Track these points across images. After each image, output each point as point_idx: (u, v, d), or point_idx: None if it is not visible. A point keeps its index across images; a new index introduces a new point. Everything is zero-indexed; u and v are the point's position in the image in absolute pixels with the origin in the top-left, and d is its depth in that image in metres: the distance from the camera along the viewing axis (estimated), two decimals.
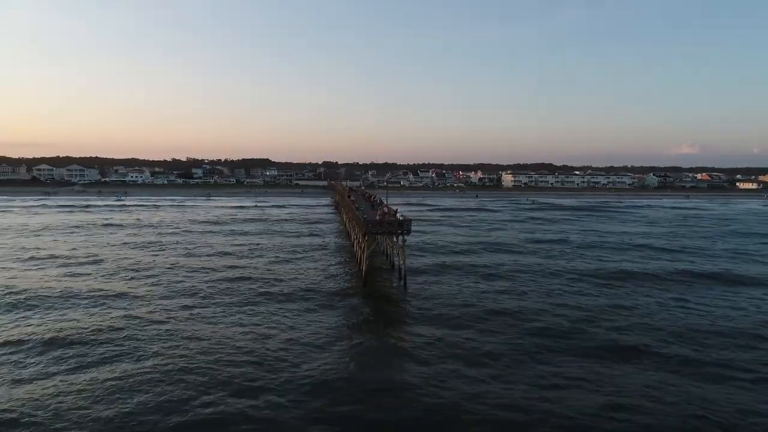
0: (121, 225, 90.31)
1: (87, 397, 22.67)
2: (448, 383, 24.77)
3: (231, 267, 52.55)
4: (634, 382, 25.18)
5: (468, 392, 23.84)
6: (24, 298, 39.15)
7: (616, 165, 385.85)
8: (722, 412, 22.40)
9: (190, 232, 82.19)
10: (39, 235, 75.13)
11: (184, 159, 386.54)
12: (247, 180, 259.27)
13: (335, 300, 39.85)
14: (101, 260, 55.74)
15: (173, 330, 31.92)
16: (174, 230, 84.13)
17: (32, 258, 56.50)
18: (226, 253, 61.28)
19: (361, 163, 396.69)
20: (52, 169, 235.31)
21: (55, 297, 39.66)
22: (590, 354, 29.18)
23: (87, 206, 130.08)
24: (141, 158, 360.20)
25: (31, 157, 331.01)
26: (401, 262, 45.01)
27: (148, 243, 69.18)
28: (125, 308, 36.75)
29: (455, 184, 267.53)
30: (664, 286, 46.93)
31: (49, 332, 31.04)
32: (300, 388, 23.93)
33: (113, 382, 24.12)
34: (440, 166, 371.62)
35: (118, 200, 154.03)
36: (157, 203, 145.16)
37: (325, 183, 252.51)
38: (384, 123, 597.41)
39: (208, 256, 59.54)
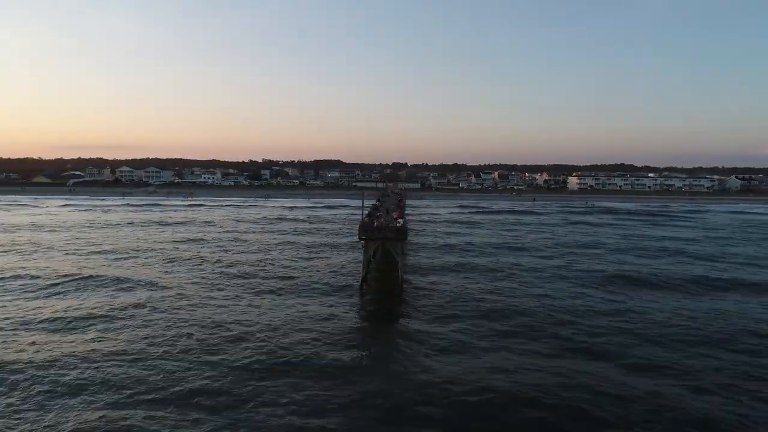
0: (171, 223, 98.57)
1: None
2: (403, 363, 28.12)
3: (255, 261, 57.83)
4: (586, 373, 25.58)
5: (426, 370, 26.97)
6: (84, 279, 47.05)
7: (705, 166, 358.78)
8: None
9: (233, 230, 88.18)
10: (101, 230, 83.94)
11: (260, 160, 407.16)
12: (309, 181, 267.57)
13: (333, 295, 42.92)
14: (142, 252, 63.30)
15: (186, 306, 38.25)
16: (218, 228, 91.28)
17: (80, 249, 63.52)
18: (257, 251, 65.62)
19: (429, 164, 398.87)
20: (132, 171, 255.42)
21: (100, 279, 45.46)
22: (548, 352, 30.58)
23: (152, 205, 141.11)
24: (221, 159, 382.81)
25: (124, 158, 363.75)
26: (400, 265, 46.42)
27: (189, 239, 75.87)
28: (150, 291, 43.20)
29: (515, 187, 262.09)
30: (666, 293, 46.60)
31: (99, 306, 35.88)
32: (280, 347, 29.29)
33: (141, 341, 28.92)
34: (509, 167, 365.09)
35: (184, 200, 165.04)
36: (217, 203, 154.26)
37: (381, 185, 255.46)
38: (456, 123, 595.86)
39: (240, 252, 64.21)
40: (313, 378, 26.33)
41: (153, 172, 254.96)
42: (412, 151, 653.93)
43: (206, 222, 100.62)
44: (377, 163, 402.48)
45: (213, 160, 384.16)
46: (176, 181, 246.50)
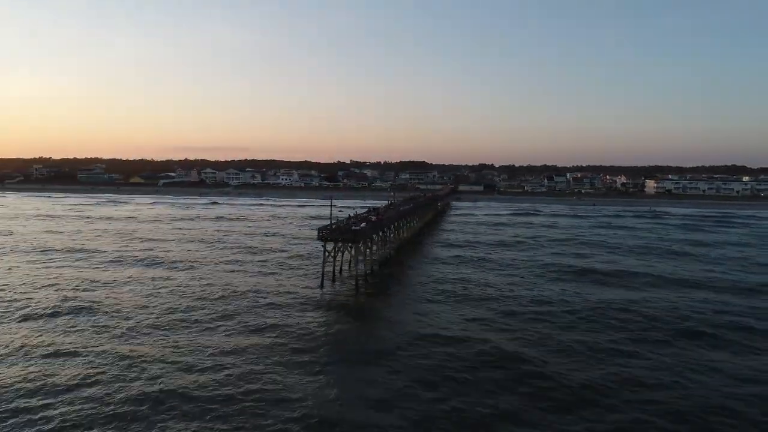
0: (227, 218, 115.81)
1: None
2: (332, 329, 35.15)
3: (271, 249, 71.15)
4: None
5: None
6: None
7: None
8: None
9: (263, 226, 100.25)
10: (173, 222, 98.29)
11: (348, 161, 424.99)
12: (377, 183, 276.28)
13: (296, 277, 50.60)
14: (186, 240, 79.81)
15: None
16: (251, 222, 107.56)
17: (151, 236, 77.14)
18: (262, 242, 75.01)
19: (517, 165, 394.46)
20: (215, 173, 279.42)
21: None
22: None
23: (222, 204, 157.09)
24: (313, 161, 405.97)
25: (224, 159, 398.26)
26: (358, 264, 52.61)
27: (227, 230, 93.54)
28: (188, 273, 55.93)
29: (583, 190, 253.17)
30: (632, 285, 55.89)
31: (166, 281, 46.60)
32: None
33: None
34: (593, 168, 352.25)
35: (251, 199, 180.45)
36: (276, 203, 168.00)
37: (439, 186, 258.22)
38: (550, 124, 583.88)
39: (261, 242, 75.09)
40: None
41: (233, 173, 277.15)
42: (503, 152, 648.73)
43: (249, 217, 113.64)
44: (463, 164, 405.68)
45: (305, 161, 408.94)
46: (252, 182, 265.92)
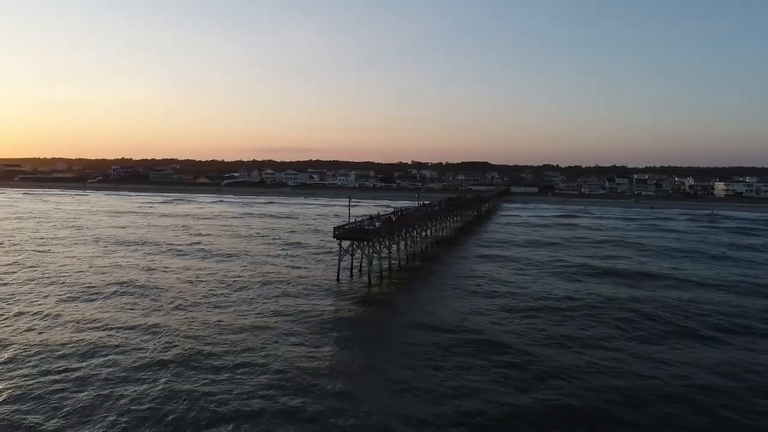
0: (277, 216, 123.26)
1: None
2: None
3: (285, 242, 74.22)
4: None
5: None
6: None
7: None
8: None
9: (308, 224, 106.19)
10: (225, 219, 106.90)
11: (410, 162, 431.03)
12: (429, 185, 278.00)
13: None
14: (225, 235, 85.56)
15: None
16: (297, 220, 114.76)
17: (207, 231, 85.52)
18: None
19: (584, 166, 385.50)
20: (274, 173, 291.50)
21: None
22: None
23: (277, 204, 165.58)
24: (376, 162, 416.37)
25: (290, 160, 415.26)
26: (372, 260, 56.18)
27: (274, 227, 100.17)
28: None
29: (644, 192, 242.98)
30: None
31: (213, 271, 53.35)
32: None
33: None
34: (663, 170, 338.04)
35: (304, 199, 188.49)
36: (328, 202, 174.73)
37: (493, 187, 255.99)
38: (621, 123, 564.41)
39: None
40: None
41: (291, 174, 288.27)
42: (569, 152, 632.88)
43: (287, 214, 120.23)
44: (527, 164, 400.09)
45: (368, 162, 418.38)
46: (309, 182, 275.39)
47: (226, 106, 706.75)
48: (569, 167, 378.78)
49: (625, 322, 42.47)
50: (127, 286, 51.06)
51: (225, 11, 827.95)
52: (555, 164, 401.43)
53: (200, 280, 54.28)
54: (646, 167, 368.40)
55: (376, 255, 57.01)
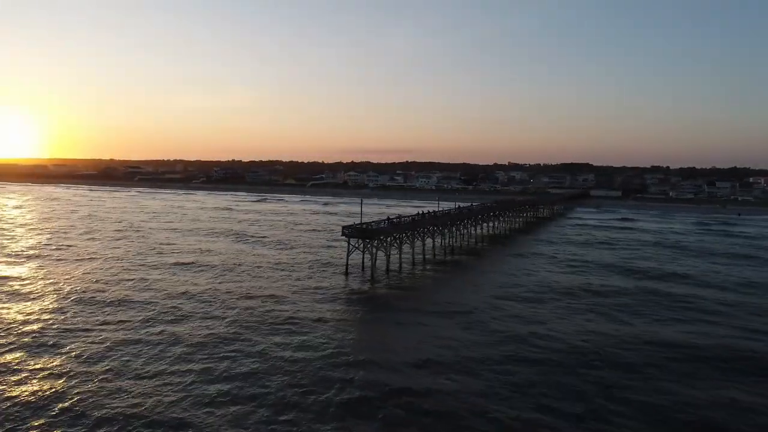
0: (339, 215, 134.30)
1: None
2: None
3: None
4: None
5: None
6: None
7: None
8: None
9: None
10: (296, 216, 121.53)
11: (506, 163, 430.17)
12: (504, 187, 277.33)
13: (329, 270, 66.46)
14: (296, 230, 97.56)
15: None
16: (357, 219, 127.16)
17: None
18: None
19: (698, 167, 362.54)
20: (357, 175, 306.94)
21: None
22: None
23: (344, 203, 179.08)
24: (471, 163, 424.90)
25: (386, 161, 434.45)
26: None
27: (329, 223, 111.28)
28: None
29: (739, 198, 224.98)
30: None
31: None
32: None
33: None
34: None
35: (381, 200, 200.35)
36: (399, 203, 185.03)
37: (573, 190, 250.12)
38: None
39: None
40: None
41: (372, 176, 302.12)
42: (686, 152, 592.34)
43: (352, 215, 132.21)
44: (635, 166, 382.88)
45: (463, 163, 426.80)
46: (387, 184, 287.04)
47: (330, 107, 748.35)
48: (681, 168, 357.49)
49: (613, 307, 48.14)
50: (199, 262, 65.25)
51: (322, 15, 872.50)
52: (665, 165, 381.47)
53: (249, 261, 68.08)
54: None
55: (383, 252, 65.65)
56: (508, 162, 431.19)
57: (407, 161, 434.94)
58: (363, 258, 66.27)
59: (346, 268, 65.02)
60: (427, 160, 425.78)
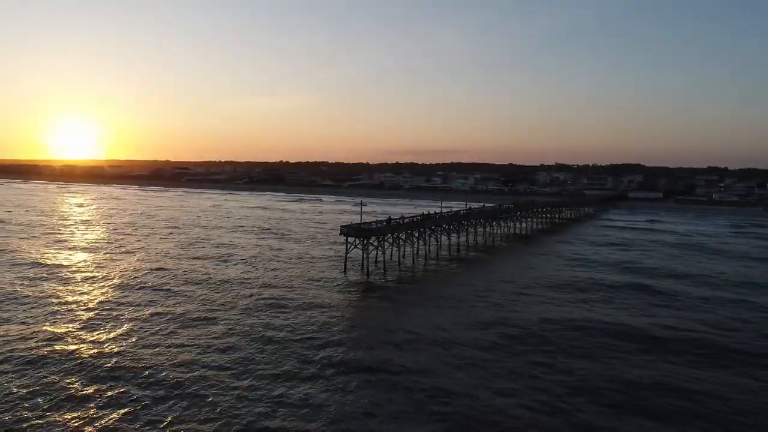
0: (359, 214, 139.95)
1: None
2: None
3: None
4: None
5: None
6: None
7: None
8: None
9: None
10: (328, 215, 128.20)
11: (553, 164, 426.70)
12: (538, 188, 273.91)
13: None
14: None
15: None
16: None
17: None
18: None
19: (760, 168, 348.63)
20: (393, 176, 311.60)
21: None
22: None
23: (377, 204, 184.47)
24: (518, 164, 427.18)
25: (437, 162, 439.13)
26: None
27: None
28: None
29: None
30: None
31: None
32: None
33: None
34: None
35: (409, 201, 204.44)
36: (430, 204, 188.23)
37: (607, 191, 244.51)
38: None
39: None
40: None
41: (408, 177, 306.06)
42: (743, 153, 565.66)
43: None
44: (691, 166, 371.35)
45: (509, 164, 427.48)
46: (422, 185, 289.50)
47: (377, 108, 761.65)
48: (740, 170, 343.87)
49: (603, 297, 51.46)
50: (229, 254, 72.32)
51: (368, 17, 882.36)
52: (723, 166, 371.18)
53: (269, 254, 78.90)
54: None
55: (379, 251, 70.39)
56: (555, 162, 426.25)
57: (452, 162, 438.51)
58: (363, 255, 71.18)
59: (345, 264, 70.04)
60: (473, 161, 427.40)
